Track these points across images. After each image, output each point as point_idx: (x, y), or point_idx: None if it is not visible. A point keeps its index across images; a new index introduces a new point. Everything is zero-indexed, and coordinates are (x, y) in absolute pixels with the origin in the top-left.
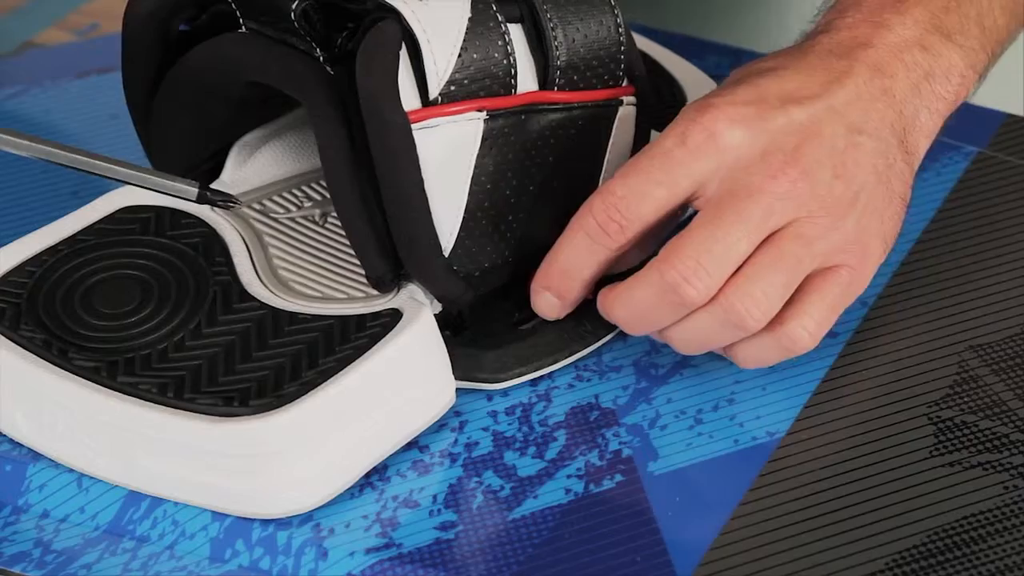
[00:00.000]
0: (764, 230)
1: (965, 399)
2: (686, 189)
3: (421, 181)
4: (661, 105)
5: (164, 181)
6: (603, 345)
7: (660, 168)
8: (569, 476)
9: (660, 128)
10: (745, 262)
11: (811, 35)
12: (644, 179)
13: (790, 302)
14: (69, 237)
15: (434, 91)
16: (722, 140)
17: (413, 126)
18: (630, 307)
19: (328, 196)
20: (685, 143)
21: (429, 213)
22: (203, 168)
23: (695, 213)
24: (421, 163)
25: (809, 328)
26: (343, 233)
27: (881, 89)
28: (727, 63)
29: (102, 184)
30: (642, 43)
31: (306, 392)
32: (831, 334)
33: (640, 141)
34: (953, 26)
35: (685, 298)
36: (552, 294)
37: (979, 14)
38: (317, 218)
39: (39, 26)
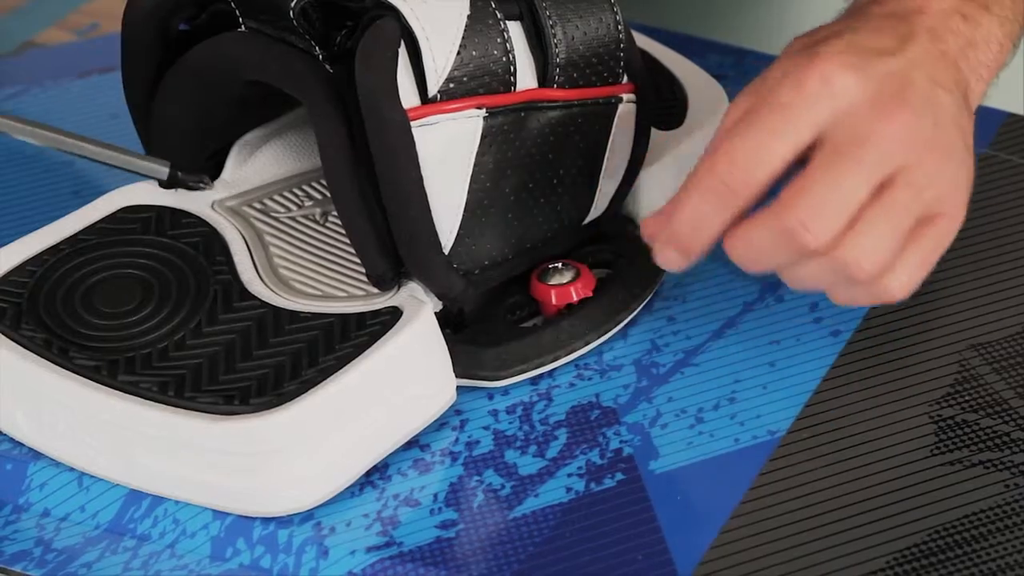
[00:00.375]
0: (879, 175)
1: (966, 398)
2: (808, 137)
3: (420, 178)
4: (661, 103)
5: (134, 160)
6: (603, 343)
7: (782, 119)
8: (570, 475)
9: (660, 126)
10: (859, 211)
11: (858, 7)
12: (767, 132)
13: None
14: (70, 236)
15: (433, 88)
16: (836, 85)
17: (412, 123)
18: (748, 247)
19: (328, 195)
20: (802, 90)
21: (429, 210)
22: (204, 167)
23: None
24: (420, 160)
25: (903, 279)
26: (343, 232)
27: (940, 52)
28: (728, 62)
29: (103, 184)
30: (642, 41)
31: (306, 390)
32: (832, 332)
33: (640, 138)
34: None
35: (802, 244)
36: (676, 249)
37: None
38: (318, 217)
39: (39, 26)
